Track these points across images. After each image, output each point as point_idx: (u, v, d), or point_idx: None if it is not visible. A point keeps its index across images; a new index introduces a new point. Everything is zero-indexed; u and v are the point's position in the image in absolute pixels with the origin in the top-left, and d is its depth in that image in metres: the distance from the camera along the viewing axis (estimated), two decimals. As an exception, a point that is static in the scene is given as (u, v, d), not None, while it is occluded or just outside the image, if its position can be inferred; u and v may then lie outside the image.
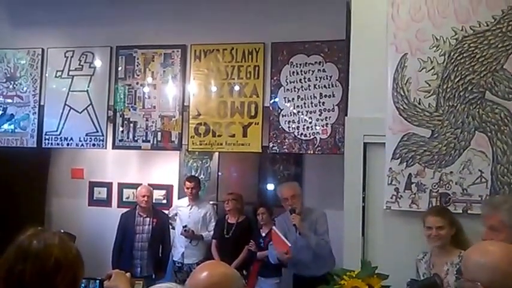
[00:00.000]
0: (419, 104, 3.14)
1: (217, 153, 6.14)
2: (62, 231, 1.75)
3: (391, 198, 3.14)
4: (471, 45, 3.10)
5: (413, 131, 3.14)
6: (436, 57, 3.13)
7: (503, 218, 2.42)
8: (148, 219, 5.27)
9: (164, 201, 6.09)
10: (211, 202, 5.93)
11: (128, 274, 2.01)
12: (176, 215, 5.53)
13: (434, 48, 3.14)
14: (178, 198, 6.00)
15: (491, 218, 2.46)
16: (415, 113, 3.14)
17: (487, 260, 1.65)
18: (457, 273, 1.81)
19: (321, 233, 4.23)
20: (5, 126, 4.98)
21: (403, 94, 3.16)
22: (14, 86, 4.97)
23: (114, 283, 1.94)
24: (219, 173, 6.33)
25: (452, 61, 3.12)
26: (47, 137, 4.84)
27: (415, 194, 3.12)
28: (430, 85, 3.14)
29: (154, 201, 5.50)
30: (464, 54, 3.11)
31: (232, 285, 1.55)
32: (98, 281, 1.95)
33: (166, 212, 5.60)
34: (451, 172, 3.07)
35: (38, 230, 1.63)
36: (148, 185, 5.60)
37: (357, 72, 3.33)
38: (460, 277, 1.82)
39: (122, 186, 6.30)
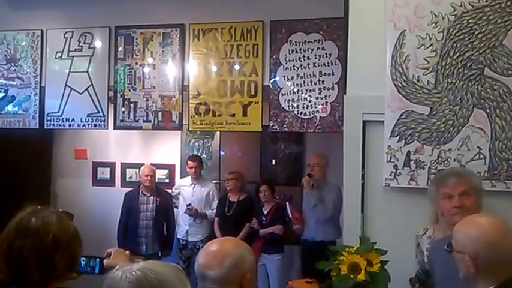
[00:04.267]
0: (418, 81, 3.13)
1: (218, 133, 6.17)
2: (60, 210, 1.76)
3: (390, 175, 3.15)
4: (470, 21, 3.08)
5: (412, 109, 3.13)
6: (434, 33, 3.11)
7: (475, 183, 2.55)
8: (152, 198, 5.35)
9: (167, 181, 6.15)
10: (213, 181, 5.98)
11: (128, 252, 2.05)
12: (179, 194, 5.59)
13: (433, 24, 3.12)
14: (181, 178, 6.06)
15: (464, 184, 2.50)
16: (414, 90, 3.13)
17: (475, 232, 1.69)
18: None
19: (326, 202, 4.76)
20: (7, 108, 5.01)
21: (401, 71, 3.15)
22: (15, 67, 4.98)
23: (113, 261, 1.98)
24: (221, 152, 6.36)
25: (451, 38, 3.10)
26: (48, 118, 4.87)
27: (414, 171, 3.13)
28: (428, 62, 3.12)
29: (157, 180, 5.56)
30: (463, 31, 3.08)
31: (243, 255, 1.62)
32: (97, 259, 1.98)
33: (169, 191, 5.65)
34: (450, 149, 3.07)
35: (36, 208, 1.66)
36: (151, 164, 5.66)
37: (356, 49, 3.31)
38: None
39: (124, 166, 6.35)
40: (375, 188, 3.25)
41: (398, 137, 3.16)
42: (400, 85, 3.16)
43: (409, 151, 3.14)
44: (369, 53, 3.27)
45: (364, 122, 3.24)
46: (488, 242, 1.67)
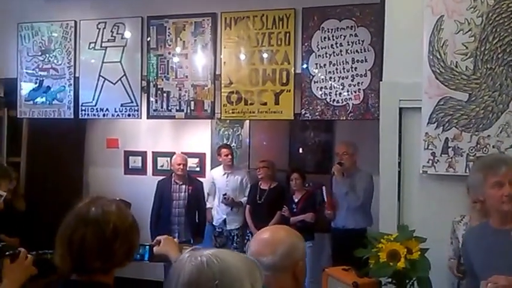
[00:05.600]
0: (456, 67, 3.09)
1: (248, 121, 6.18)
2: (118, 198, 1.79)
3: (428, 162, 3.14)
4: (510, 5, 3.02)
5: (450, 95, 3.10)
6: (473, 18, 3.06)
7: None
8: (184, 186, 5.42)
9: (197, 169, 6.20)
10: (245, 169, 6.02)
11: (176, 239, 2.09)
12: (214, 184, 5.66)
13: (472, 9, 3.07)
14: (211, 166, 6.12)
15: None
16: (452, 76, 3.10)
17: None
18: None
19: (357, 190, 4.74)
20: (43, 98, 5.11)
21: (439, 57, 3.11)
22: (49, 58, 5.07)
23: (164, 248, 2.02)
24: (251, 141, 6.37)
25: (490, 22, 3.05)
26: (83, 108, 4.95)
27: (451, 158, 3.11)
28: (467, 47, 3.07)
29: (188, 169, 5.62)
30: (503, 15, 3.02)
31: (295, 243, 1.64)
32: (147, 247, 2.01)
33: (201, 179, 5.71)
34: (489, 136, 3.04)
35: (95, 197, 1.68)
36: (182, 153, 5.72)
37: (392, 36, 3.28)
38: None
39: (155, 155, 6.42)
40: (412, 175, 3.24)
41: (436, 124, 3.13)
42: (438, 71, 3.12)
43: (447, 138, 3.12)
44: (405, 39, 3.24)
45: (400, 109, 3.22)
46: None
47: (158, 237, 2.06)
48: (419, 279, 2.65)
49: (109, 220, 1.59)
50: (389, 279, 2.74)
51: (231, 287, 1.12)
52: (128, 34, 4.77)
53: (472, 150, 3.08)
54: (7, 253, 1.96)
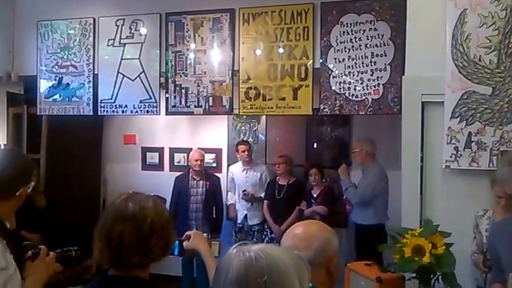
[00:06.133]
0: (479, 60, 3.07)
1: (264, 116, 6.18)
2: (153, 194, 1.80)
3: (451, 157, 3.13)
4: (535, -2, 2.99)
5: (473, 89, 3.09)
6: (497, 11, 3.04)
7: None
8: (201, 182, 5.45)
9: (214, 165, 6.22)
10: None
11: (205, 234, 2.10)
12: (233, 180, 5.68)
13: (496, 2, 3.05)
14: (228, 162, 6.14)
15: None
16: (475, 70, 3.08)
17: None
18: None
19: (361, 185, 4.85)
20: (62, 95, 5.14)
21: (462, 51, 3.09)
22: (68, 56, 5.09)
23: (193, 243, 2.04)
24: (268, 136, 6.38)
25: (514, 15, 3.03)
26: (102, 104, 4.97)
27: (475, 152, 3.09)
28: (491, 41, 3.06)
29: (204, 164, 5.64)
30: (528, 8, 3.00)
31: (329, 238, 1.63)
32: (177, 242, 2.03)
33: (218, 175, 5.73)
34: (513, 129, 3.03)
35: (132, 193, 1.69)
36: (198, 149, 5.74)
37: (414, 29, 3.27)
38: None
39: (172, 151, 6.45)
40: (434, 170, 3.23)
41: (459, 118, 3.12)
42: (461, 65, 3.11)
43: (470, 132, 3.11)
44: (427, 33, 3.23)
45: (423, 103, 3.21)
46: None
47: (188, 232, 2.08)
48: (444, 274, 2.65)
49: (146, 216, 1.60)
50: (413, 274, 2.75)
51: (280, 282, 1.10)
52: (146, 31, 4.77)
53: (495, 144, 3.07)
54: (29, 253, 1.99)
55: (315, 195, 5.20)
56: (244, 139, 6.08)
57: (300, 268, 1.17)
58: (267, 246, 1.18)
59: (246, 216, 5.57)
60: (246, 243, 1.18)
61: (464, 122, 3.10)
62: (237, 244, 1.18)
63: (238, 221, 5.63)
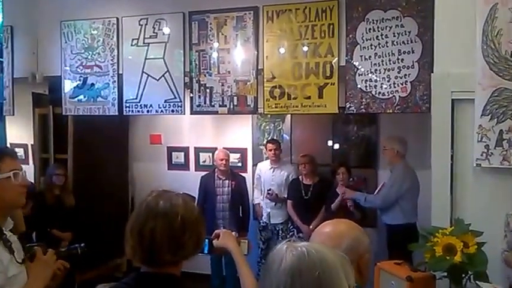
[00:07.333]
0: (511, 57, 2.99)
1: (289, 115, 6.15)
2: (182, 192, 1.81)
3: (481, 155, 3.05)
4: None
5: (504, 86, 3.00)
6: (529, 5, 2.95)
7: None
8: (227, 181, 5.46)
9: (239, 164, 6.23)
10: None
11: (234, 233, 2.10)
12: (259, 177, 5.68)
13: (528, -4, 2.96)
14: (253, 162, 6.13)
15: None
16: (507, 66, 2.99)
17: None
18: None
19: (386, 186, 4.89)
20: (87, 95, 5.19)
21: (493, 47, 3.01)
22: (93, 56, 5.14)
23: (223, 241, 2.05)
24: (292, 135, 6.35)
25: (547, 9, 2.94)
26: (127, 104, 5.01)
27: (506, 150, 3.01)
28: (523, 36, 2.97)
29: (230, 164, 5.64)
30: (561, 1, 2.91)
31: (358, 237, 1.62)
32: (207, 240, 2.03)
33: (243, 174, 5.74)
34: (545, 127, 2.94)
35: (162, 190, 1.70)
36: (223, 148, 5.75)
37: (443, 26, 3.19)
38: None
39: (198, 151, 6.50)
40: (465, 168, 3.16)
41: (489, 116, 3.04)
42: (492, 61, 3.03)
43: (501, 130, 3.03)
44: (456, 29, 3.15)
45: (452, 100, 3.14)
46: None
47: (217, 231, 2.09)
48: (476, 273, 2.60)
49: (177, 213, 1.61)
50: (444, 274, 2.70)
51: (331, 278, 1.16)
52: (170, 30, 4.79)
53: (528, 142, 2.98)
54: (26, 255, 2.02)
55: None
56: (274, 138, 6.08)
57: (345, 267, 1.21)
58: (314, 244, 1.25)
59: (269, 214, 5.57)
60: (295, 240, 1.25)
61: (496, 119, 3.02)
62: (286, 240, 1.25)
63: (262, 220, 5.62)
